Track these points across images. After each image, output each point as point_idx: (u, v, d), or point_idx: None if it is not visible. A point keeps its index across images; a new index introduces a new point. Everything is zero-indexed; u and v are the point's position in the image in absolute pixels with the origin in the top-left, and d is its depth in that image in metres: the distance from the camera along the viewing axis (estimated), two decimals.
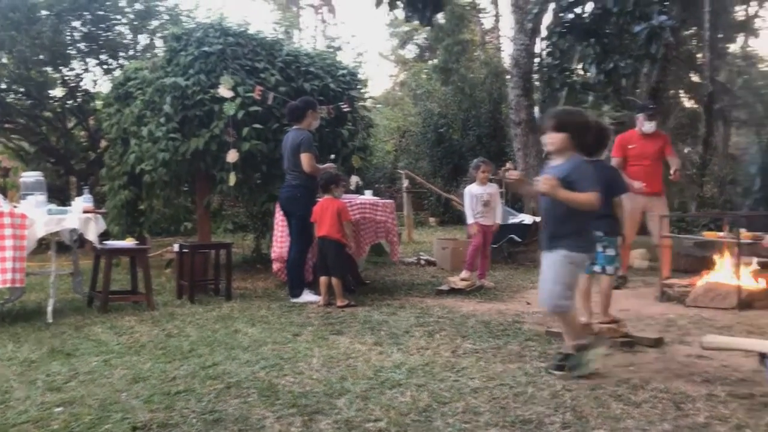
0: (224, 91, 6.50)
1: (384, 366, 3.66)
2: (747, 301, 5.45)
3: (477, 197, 6.68)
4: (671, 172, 6.67)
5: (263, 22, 35.80)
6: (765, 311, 5.34)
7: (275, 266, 6.39)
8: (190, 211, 8.82)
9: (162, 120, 6.75)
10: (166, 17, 11.38)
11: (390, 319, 5.01)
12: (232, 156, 6.50)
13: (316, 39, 22.09)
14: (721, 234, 6.14)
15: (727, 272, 5.88)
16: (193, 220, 8.92)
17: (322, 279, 5.76)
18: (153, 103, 7.01)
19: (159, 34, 11.32)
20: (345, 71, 7.98)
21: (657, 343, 4.15)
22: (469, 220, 6.68)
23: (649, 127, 6.64)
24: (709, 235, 6.45)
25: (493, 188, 6.84)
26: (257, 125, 6.79)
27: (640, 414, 2.85)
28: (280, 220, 6.29)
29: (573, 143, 3.56)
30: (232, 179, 6.54)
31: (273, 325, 4.89)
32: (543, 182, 3.44)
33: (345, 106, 7.40)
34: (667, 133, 6.55)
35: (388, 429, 2.70)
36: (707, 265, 6.46)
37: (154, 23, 11.48)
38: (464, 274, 6.56)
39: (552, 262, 3.50)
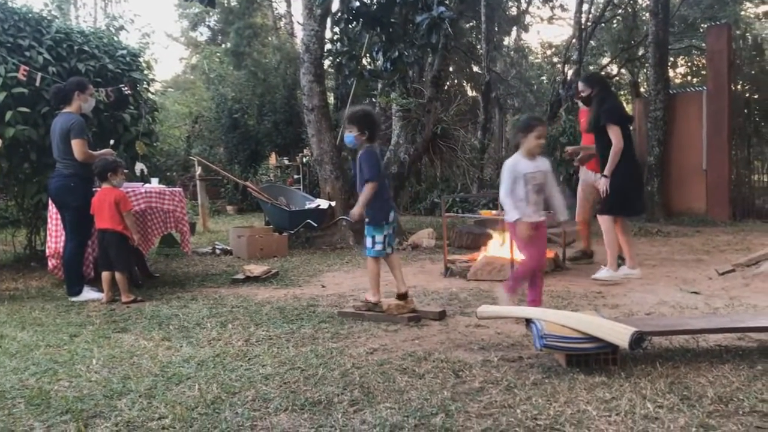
0: None
1: (172, 361, 3.50)
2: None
3: (528, 178, 4.07)
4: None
5: None
6: None
7: (51, 263, 5.85)
8: None
9: None
10: None
11: (180, 313, 4.81)
12: None
13: (96, 17, 20.39)
14: (495, 212, 6.67)
15: (503, 247, 6.42)
16: None
17: (105, 274, 5.37)
18: None
19: None
20: (125, 51, 7.47)
21: (441, 316, 4.42)
22: (513, 214, 4.06)
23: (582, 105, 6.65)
24: (485, 214, 6.99)
25: (546, 164, 4.18)
26: (23, 108, 6.15)
27: (422, 384, 3.00)
28: (54, 213, 5.76)
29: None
30: None
31: (47, 327, 4.47)
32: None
33: (126, 88, 6.93)
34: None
35: (173, 426, 2.58)
36: (485, 241, 7.02)
37: None
38: (504, 295, 4.21)
39: None
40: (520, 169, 4.07)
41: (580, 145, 6.97)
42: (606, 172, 5.66)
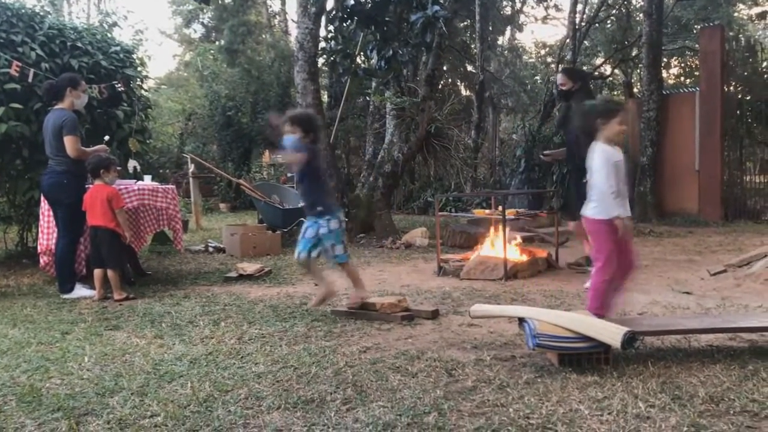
0: None
1: (164, 359, 3.49)
2: (512, 272, 6.01)
3: (619, 167, 3.69)
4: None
5: None
6: (527, 280, 5.93)
7: (43, 260, 5.82)
8: None
9: None
10: None
11: (173, 310, 4.79)
12: None
13: (89, 13, 20.31)
14: (488, 211, 6.68)
15: (496, 246, 6.43)
16: None
17: (97, 272, 5.35)
18: None
19: None
20: (118, 48, 7.44)
21: (434, 315, 4.42)
22: (613, 210, 3.61)
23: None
24: (478, 213, 7.00)
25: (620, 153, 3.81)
26: (16, 105, 6.12)
27: (415, 383, 3.00)
28: (46, 210, 5.73)
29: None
30: None
31: (39, 324, 4.44)
32: None
33: (119, 85, 6.91)
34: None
35: (165, 423, 2.57)
36: (479, 240, 7.03)
37: None
38: (596, 319, 3.38)
39: None
40: (613, 157, 3.66)
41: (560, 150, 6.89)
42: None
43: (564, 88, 5.91)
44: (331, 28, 8.38)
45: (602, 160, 3.63)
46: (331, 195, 4.69)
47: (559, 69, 17.99)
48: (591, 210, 3.70)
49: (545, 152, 6.74)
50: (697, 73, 15.65)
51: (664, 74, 18.75)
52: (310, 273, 4.72)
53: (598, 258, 3.71)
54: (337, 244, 4.43)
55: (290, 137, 4.34)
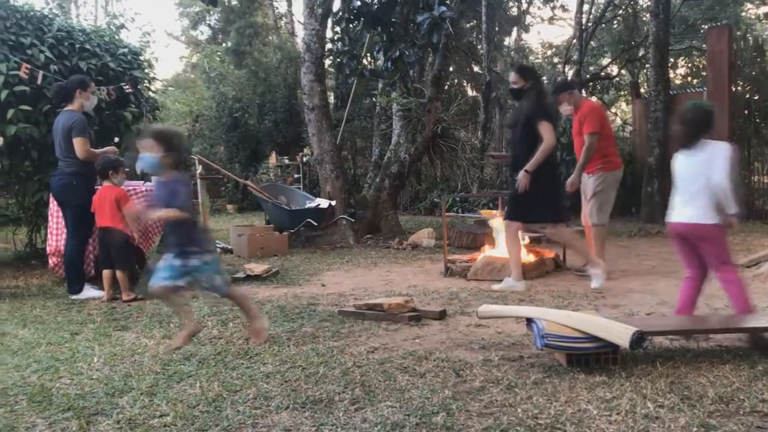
0: None
1: (173, 359, 3.50)
2: (522, 273, 5.98)
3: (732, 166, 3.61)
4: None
5: None
6: (535, 281, 5.92)
7: (52, 261, 5.86)
8: None
9: None
10: None
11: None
12: None
13: (96, 15, 20.40)
14: (495, 212, 6.67)
15: (503, 247, 6.41)
16: None
17: (106, 272, 5.38)
18: None
19: None
20: (126, 50, 7.48)
21: (441, 315, 4.42)
22: (732, 207, 3.56)
23: (562, 110, 6.36)
24: (485, 213, 6.99)
25: None
26: (25, 107, 6.16)
27: (423, 383, 3.01)
28: (55, 211, 5.77)
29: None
30: None
31: (48, 325, 4.47)
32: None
33: (127, 87, 6.94)
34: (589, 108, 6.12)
35: (174, 423, 2.59)
36: (486, 241, 7.02)
37: None
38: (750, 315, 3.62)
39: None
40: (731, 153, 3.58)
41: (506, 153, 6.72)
42: (529, 167, 5.31)
43: (516, 86, 5.70)
44: (337, 29, 8.40)
45: (728, 159, 3.52)
46: (201, 228, 3.87)
47: (566, 69, 18.01)
48: (710, 216, 3.59)
49: (491, 153, 6.67)
50: (704, 73, 15.59)
51: (671, 74, 18.70)
52: (172, 305, 3.93)
53: (725, 261, 3.70)
54: (214, 275, 3.74)
55: (148, 156, 3.64)
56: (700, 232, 3.68)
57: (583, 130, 6.06)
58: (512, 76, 5.84)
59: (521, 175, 5.34)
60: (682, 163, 3.75)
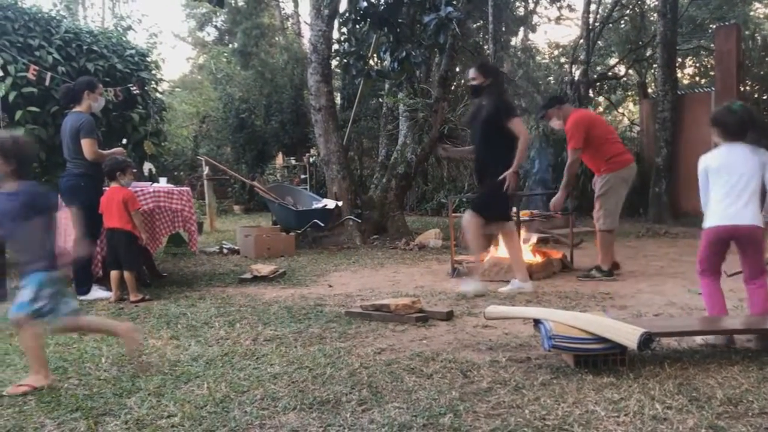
0: None
1: (180, 360, 3.51)
2: (528, 273, 5.97)
3: None
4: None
5: None
6: (543, 281, 5.91)
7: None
8: None
9: None
10: None
11: (188, 312, 4.82)
12: None
13: (104, 17, 20.50)
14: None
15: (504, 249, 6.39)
16: None
17: (113, 273, 5.40)
18: None
19: None
20: (133, 51, 7.51)
21: (448, 316, 4.41)
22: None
23: (551, 124, 6.32)
24: None
25: None
26: (33, 108, 6.20)
27: (431, 384, 3.00)
28: (62, 212, 5.78)
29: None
30: None
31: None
32: None
33: (135, 88, 6.97)
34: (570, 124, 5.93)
35: (182, 424, 2.59)
36: (493, 241, 7.00)
37: None
38: None
39: None
40: None
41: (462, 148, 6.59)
42: (514, 168, 5.25)
43: (475, 83, 5.58)
44: (344, 30, 8.41)
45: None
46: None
47: (573, 69, 17.96)
48: (761, 218, 3.51)
49: (444, 146, 6.51)
50: (712, 73, 15.53)
51: (679, 74, 18.60)
52: (84, 329, 3.73)
53: (764, 265, 3.63)
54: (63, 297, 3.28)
55: None
56: (757, 235, 3.54)
57: (567, 146, 6.03)
58: (472, 72, 5.67)
59: (510, 176, 5.26)
60: (732, 162, 3.55)
